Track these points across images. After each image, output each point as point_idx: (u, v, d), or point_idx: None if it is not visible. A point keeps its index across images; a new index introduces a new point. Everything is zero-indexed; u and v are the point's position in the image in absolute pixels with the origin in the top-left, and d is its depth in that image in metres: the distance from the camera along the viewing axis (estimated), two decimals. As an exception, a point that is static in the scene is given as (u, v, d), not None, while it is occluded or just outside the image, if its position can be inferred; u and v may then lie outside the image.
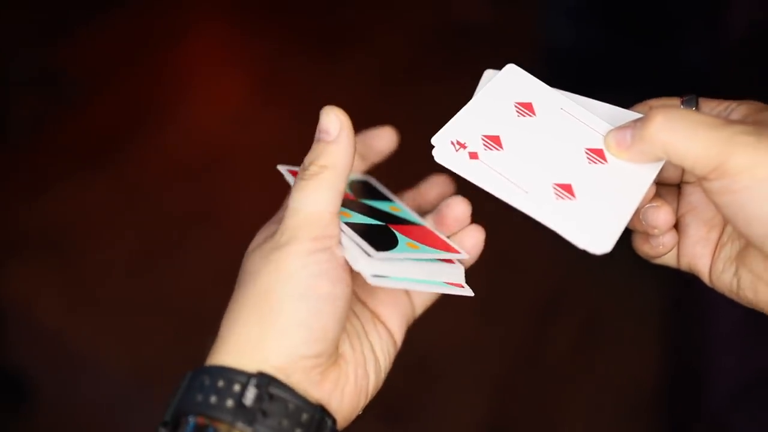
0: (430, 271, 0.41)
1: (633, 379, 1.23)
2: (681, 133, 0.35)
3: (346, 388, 0.37)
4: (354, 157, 0.38)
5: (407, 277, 0.39)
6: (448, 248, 0.42)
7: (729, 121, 0.35)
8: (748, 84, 1.00)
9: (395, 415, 1.17)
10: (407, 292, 0.43)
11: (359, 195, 0.46)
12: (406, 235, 0.41)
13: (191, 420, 0.34)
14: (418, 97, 1.64)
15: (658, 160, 0.38)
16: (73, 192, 1.43)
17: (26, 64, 1.67)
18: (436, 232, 0.43)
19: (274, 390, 0.34)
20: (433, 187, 0.48)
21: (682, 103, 0.41)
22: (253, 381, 0.34)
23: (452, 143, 0.39)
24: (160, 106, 1.63)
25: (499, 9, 1.81)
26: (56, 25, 1.75)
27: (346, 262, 0.37)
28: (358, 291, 0.42)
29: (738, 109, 0.40)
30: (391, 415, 1.16)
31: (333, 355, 0.37)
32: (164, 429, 0.36)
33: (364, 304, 0.42)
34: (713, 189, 0.34)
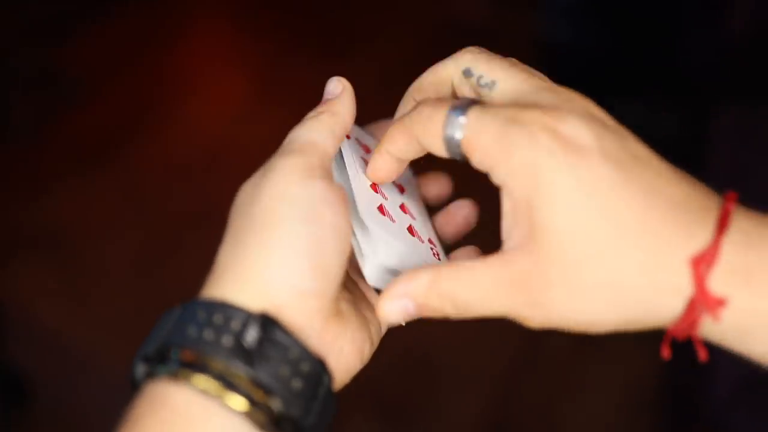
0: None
1: (633, 379, 1.23)
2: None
3: (345, 347, 0.34)
4: (353, 115, 0.38)
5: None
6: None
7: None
8: (748, 84, 1.00)
9: (395, 415, 1.17)
10: None
11: None
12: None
13: (179, 353, 0.31)
14: (418, 97, 1.64)
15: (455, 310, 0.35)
16: (73, 192, 1.43)
17: (26, 64, 1.67)
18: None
19: (277, 334, 0.31)
20: (458, 210, 0.45)
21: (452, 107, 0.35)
22: (256, 320, 0.31)
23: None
24: (160, 106, 1.63)
25: (499, 9, 1.81)
26: (56, 25, 1.75)
27: (347, 196, 0.35)
28: (350, 270, 0.40)
29: None
30: (391, 415, 1.16)
31: (334, 301, 0.34)
32: (144, 364, 0.33)
33: (355, 284, 0.40)
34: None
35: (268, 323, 0.31)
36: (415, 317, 0.35)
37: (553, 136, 0.31)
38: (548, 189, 0.31)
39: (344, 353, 0.34)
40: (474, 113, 0.33)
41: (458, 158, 0.35)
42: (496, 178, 0.32)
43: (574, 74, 1.42)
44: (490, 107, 0.33)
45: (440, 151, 0.35)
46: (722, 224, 0.31)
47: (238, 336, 0.31)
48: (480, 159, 0.33)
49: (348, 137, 0.41)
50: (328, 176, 0.35)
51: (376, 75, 1.73)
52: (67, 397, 1.17)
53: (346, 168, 0.39)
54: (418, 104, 0.37)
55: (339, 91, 0.38)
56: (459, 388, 1.22)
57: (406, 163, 0.39)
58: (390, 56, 1.72)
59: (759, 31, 1.02)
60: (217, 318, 0.31)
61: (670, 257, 0.30)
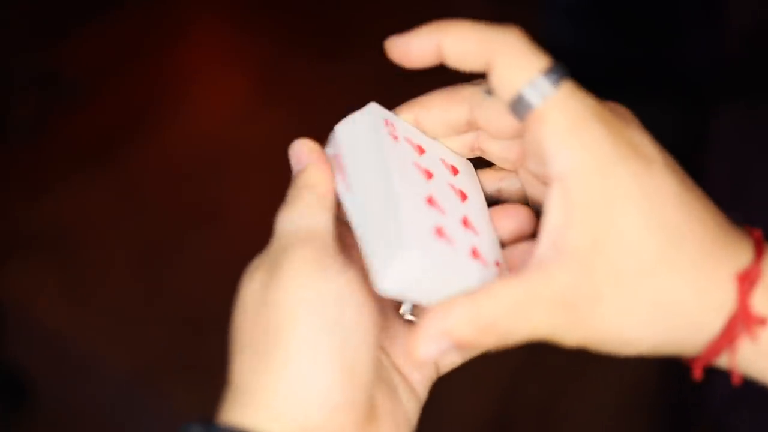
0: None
1: (633, 379, 1.23)
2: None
3: None
4: (331, 177, 0.34)
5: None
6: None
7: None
8: (748, 84, 1.00)
9: (395, 415, 1.17)
10: None
11: None
12: None
13: None
14: (417, 96, 1.64)
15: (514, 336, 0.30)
16: (73, 192, 1.43)
17: (26, 64, 1.66)
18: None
19: None
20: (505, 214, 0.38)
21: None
22: None
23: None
24: (160, 106, 1.63)
25: (499, 9, 1.81)
26: (56, 25, 1.75)
27: (369, 285, 0.31)
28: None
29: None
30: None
31: (366, 406, 0.30)
32: None
33: (384, 351, 0.35)
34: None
35: None
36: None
37: (627, 141, 0.29)
38: (615, 192, 0.28)
39: None
40: (567, 88, 0.30)
41: (500, 123, 0.31)
42: (556, 166, 0.29)
43: (574, 74, 1.43)
44: (579, 91, 0.31)
45: (495, 103, 0.31)
46: (760, 246, 0.31)
47: None
48: (543, 139, 0.29)
49: (396, 138, 0.35)
50: (342, 268, 0.31)
51: (375, 75, 1.73)
52: (67, 397, 1.17)
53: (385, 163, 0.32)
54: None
55: (307, 156, 0.35)
56: (459, 388, 1.22)
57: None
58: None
59: (759, 31, 1.02)
60: None
61: (717, 275, 0.30)
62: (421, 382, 0.36)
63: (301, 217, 0.31)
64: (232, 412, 0.29)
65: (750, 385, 0.39)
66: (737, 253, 0.30)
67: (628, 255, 0.28)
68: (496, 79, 0.31)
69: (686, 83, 1.31)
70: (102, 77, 1.66)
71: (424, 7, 1.88)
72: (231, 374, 0.30)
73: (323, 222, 0.32)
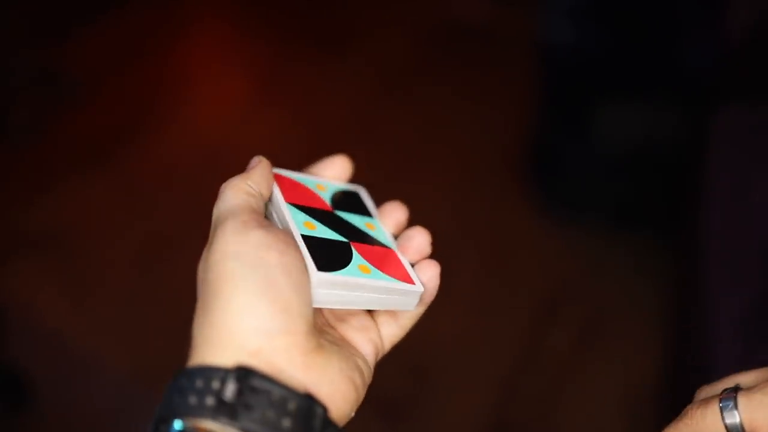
0: (376, 300, 0.40)
1: (633, 378, 1.23)
2: None
3: (335, 377, 0.35)
4: (271, 179, 0.42)
5: (349, 301, 0.39)
6: (404, 278, 0.41)
7: None
8: (748, 84, 1.00)
9: (395, 415, 1.17)
10: (375, 323, 0.42)
11: (338, 206, 0.45)
12: (364, 257, 0.41)
13: (174, 424, 0.32)
14: (417, 96, 1.64)
15: None
16: (73, 191, 1.43)
17: (26, 64, 1.67)
18: (402, 260, 0.43)
19: (255, 381, 0.32)
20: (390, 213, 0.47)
21: (721, 401, 0.41)
22: (232, 375, 0.32)
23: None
24: (160, 106, 1.63)
25: (499, 9, 1.81)
26: (56, 25, 1.75)
27: (293, 239, 0.38)
28: (327, 316, 0.42)
29: None
30: (391, 415, 1.16)
31: (310, 337, 0.35)
32: None
33: (333, 328, 0.41)
34: None
35: (242, 374, 0.33)
36: None
37: None
38: None
39: (336, 383, 0.35)
40: (742, 398, 0.39)
41: None
42: None
43: (574, 74, 1.43)
44: (749, 390, 0.39)
45: None
46: None
47: (218, 394, 0.32)
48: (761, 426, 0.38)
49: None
50: (262, 224, 0.37)
51: (375, 75, 1.73)
52: (67, 397, 1.17)
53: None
54: (687, 410, 0.43)
55: (256, 163, 0.42)
56: (459, 388, 1.22)
57: None
58: (389, 56, 1.72)
59: (759, 31, 1.02)
60: (199, 382, 0.33)
61: None
62: (369, 352, 0.41)
63: (227, 200, 0.39)
64: (191, 359, 0.34)
65: (750, 386, 0.39)
66: None
67: None
68: None
69: (686, 83, 1.31)
70: (102, 77, 1.66)
71: (425, 8, 1.88)
72: (192, 330, 0.35)
73: (248, 200, 0.39)
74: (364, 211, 0.46)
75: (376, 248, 0.43)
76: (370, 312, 0.43)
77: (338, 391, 0.35)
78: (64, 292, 1.29)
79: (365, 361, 0.39)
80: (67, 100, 1.61)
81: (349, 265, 0.40)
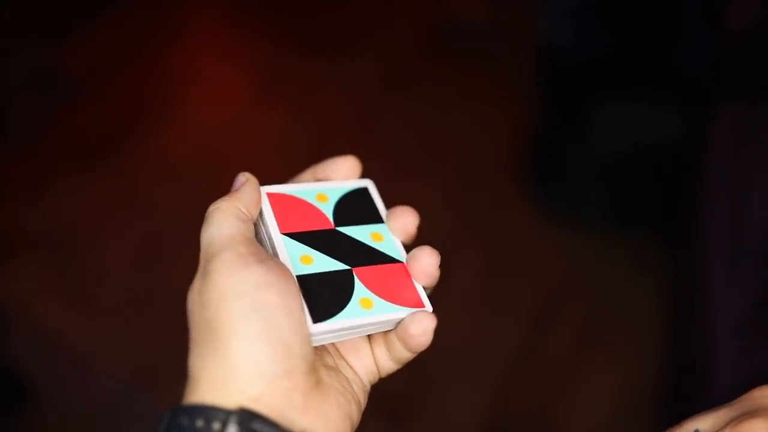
0: (379, 328, 0.40)
1: (633, 378, 1.23)
2: None
3: (332, 413, 0.36)
4: (259, 197, 0.40)
5: (350, 334, 0.39)
6: (411, 302, 0.40)
7: None
8: (748, 84, 1.00)
9: (395, 415, 1.17)
10: (373, 354, 0.41)
11: (341, 219, 0.43)
12: (368, 285, 0.40)
13: None
14: (417, 96, 1.64)
15: None
16: (73, 192, 1.43)
17: (26, 64, 1.67)
18: (410, 276, 0.41)
19: (256, 425, 0.32)
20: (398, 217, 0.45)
21: None
22: (234, 417, 0.32)
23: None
24: (159, 106, 1.63)
25: (499, 9, 1.81)
26: (56, 25, 1.75)
27: (291, 274, 0.37)
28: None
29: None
30: (391, 415, 1.16)
31: (309, 375, 0.35)
32: None
33: (329, 353, 0.41)
34: None
35: (245, 417, 0.32)
36: None
37: None
38: None
39: (332, 420, 0.35)
40: None
41: None
42: None
43: (574, 74, 1.43)
44: None
45: None
46: None
47: None
48: None
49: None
50: (261, 259, 0.36)
51: (375, 75, 1.73)
52: (68, 397, 1.17)
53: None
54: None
55: (242, 182, 0.41)
56: (459, 388, 1.22)
57: None
58: (389, 56, 1.72)
59: (759, 31, 1.02)
60: (199, 422, 0.33)
61: None
62: (365, 374, 0.41)
63: (219, 226, 0.37)
64: (190, 396, 0.34)
65: (750, 385, 0.39)
66: None
67: None
68: None
69: (686, 83, 1.31)
70: (102, 77, 1.66)
71: (424, 8, 1.88)
72: (189, 371, 0.35)
73: (241, 227, 0.37)
74: (370, 217, 0.44)
75: (382, 268, 0.41)
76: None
77: (335, 429, 0.36)
78: (64, 292, 1.29)
79: (362, 386, 0.39)
80: (67, 100, 1.61)
81: (350, 303, 0.39)
